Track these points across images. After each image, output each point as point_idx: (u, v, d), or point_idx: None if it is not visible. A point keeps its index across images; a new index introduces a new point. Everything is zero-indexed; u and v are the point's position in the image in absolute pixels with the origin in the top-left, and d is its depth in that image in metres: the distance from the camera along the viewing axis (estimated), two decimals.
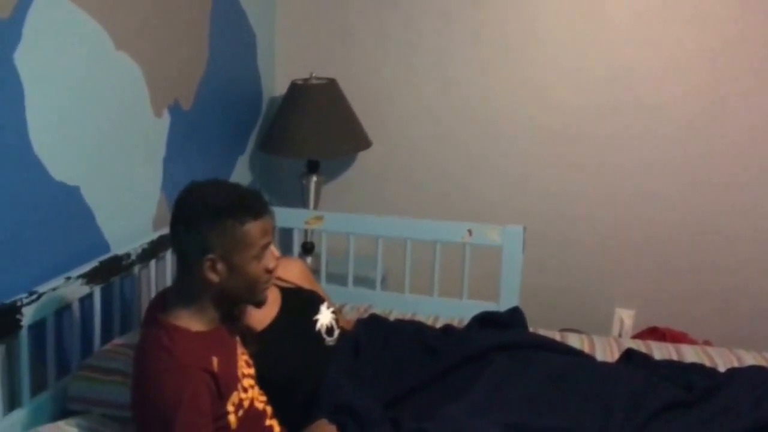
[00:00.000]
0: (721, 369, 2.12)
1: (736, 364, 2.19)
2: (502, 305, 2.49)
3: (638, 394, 1.85)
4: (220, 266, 1.51)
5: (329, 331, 1.93)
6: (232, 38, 2.85)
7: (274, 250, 1.60)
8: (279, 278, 1.98)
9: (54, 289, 1.78)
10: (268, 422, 1.65)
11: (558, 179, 3.09)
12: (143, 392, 1.50)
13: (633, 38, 2.93)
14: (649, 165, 3.00)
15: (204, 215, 1.51)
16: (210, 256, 1.50)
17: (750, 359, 2.25)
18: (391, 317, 2.55)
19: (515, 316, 2.26)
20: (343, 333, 1.98)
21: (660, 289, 3.08)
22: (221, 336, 1.60)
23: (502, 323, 2.20)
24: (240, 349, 1.66)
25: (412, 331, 2.12)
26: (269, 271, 1.59)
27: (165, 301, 1.59)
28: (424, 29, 3.08)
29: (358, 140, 3.03)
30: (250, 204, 1.55)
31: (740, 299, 3.01)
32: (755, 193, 2.94)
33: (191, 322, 1.53)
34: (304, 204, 3.05)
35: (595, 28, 2.96)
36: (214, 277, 1.51)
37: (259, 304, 1.64)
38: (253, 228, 1.53)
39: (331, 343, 1.91)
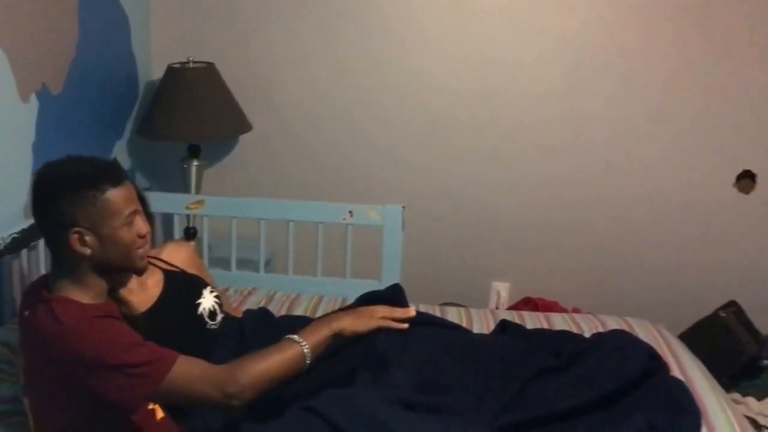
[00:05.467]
0: (587, 334, 2.23)
1: (600, 329, 2.33)
2: (384, 283, 2.54)
3: (511, 363, 1.93)
4: (89, 238, 1.50)
5: (212, 315, 1.93)
6: (103, 20, 2.75)
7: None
8: (164, 262, 1.99)
9: None
10: (151, 406, 1.64)
11: (436, 160, 3.18)
12: (62, 358, 1.45)
13: (503, 25, 3.05)
14: (521, 149, 3.14)
15: (63, 189, 1.49)
16: (75, 229, 1.49)
17: (613, 324, 2.40)
18: (275, 298, 2.59)
19: (396, 293, 2.31)
20: (227, 318, 2.00)
21: (533, 262, 3.25)
22: (113, 309, 1.59)
23: (384, 301, 2.26)
24: None
25: (303, 323, 2.13)
26: (142, 236, 1.58)
27: (48, 280, 1.56)
28: (305, 12, 3.09)
29: (239, 124, 3.01)
30: (107, 172, 1.53)
31: (605, 269, 3.22)
32: (615, 177, 3.14)
33: (80, 295, 1.52)
34: (186, 189, 3.01)
35: (469, 16, 3.05)
36: (85, 250, 1.50)
37: (140, 270, 1.63)
38: (114, 195, 1.52)
39: (213, 327, 1.92)
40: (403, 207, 2.65)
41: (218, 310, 1.96)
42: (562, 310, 2.95)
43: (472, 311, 2.57)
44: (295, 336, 1.59)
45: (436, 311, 2.52)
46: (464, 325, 2.37)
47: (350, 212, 2.65)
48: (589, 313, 2.68)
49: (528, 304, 3.07)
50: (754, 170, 3.06)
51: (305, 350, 1.57)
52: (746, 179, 3.07)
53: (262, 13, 3.10)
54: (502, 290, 3.26)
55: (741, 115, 3.02)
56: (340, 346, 1.84)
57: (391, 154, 3.20)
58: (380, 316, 1.72)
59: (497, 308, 3.17)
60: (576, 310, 2.94)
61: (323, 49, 3.13)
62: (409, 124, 3.17)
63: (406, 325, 1.73)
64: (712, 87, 3.01)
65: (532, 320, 2.48)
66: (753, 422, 2.57)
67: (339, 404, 1.64)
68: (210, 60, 2.98)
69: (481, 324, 2.43)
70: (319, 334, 1.62)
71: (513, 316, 2.49)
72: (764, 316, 2.96)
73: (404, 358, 1.91)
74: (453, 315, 2.50)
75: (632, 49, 3.02)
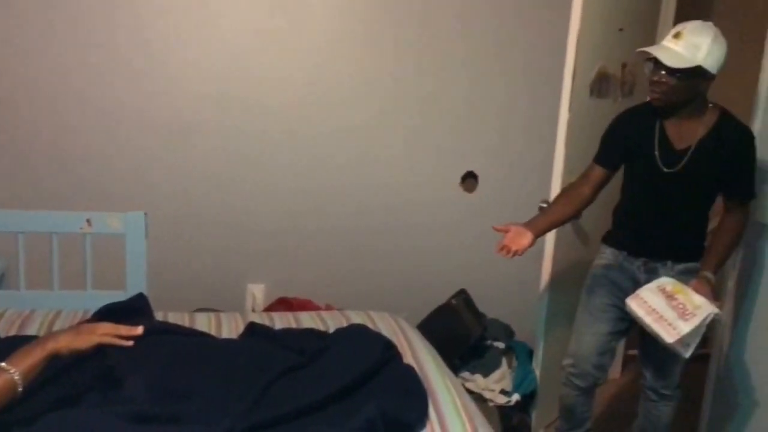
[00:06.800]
0: (331, 330, 2.32)
1: (345, 324, 2.40)
2: (130, 292, 2.47)
3: (255, 365, 1.95)
4: None
5: None
6: None
7: None
8: None
9: None
10: None
11: (182, 165, 3.15)
12: None
13: (250, 33, 3.09)
14: (267, 155, 3.22)
15: None
16: None
17: (356, 318, 2.50)
18: (5, 317, 2.38)
19: (139, 302, 2.26)
20: None
21: (286, 263, 3.32)
22: None
23: (125, 312, 2.18)
24: None
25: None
26: None
27: None
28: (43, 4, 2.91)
29: None
30: None
31: (353, 267, 3.39)
32: (357, 185, 3.34)
33: None
34: None
35: (214, 20, 3.06)
36: None
37: None
38: None
39: None
40: (146, 213, 2.57)
41: None
42: (316, 308, 3.04)
43: (222, 316, 2.56)
44: (3, 363, 1.48)
45: (186, 318, 2.48)
46: (213, 330, 2.35)
47: (88, 221, 2.52)
48: (337, 309, 2.79)
49: (283, 303, 3.13)
50: (477, 171, 3.39)
51: (15, 377, 1.47)
52: (470, 179, 3.40)
53: None
54: (257, 292, 3.29)
55: (464, 122, 3.33)
56: (65, 366, 1.77)
57: (135, 161, 3.10)
58: (102, 332, 1.65)
59: (253, 310, 3.20)
60: (329, 307, 3.05)
61: (68, 45, 2.96)
62: (150, 127, 3.10)
63: (130, 342, 1.68)
64: (440, 98, 3.30)
65: (281, 320, 2.52)
66: (480, 397, 2.85)
67: (58, 427, 1.55)
68: None
69: (230, 328, 2.42)
70: (31, 358, 1.52)
71: (263, 318, 2.52)
72: (487, 301, 3.29)
73: (139, 371, 1.85)
74: (203, 321, 2.47)
75: (374, 62, 3.21)
